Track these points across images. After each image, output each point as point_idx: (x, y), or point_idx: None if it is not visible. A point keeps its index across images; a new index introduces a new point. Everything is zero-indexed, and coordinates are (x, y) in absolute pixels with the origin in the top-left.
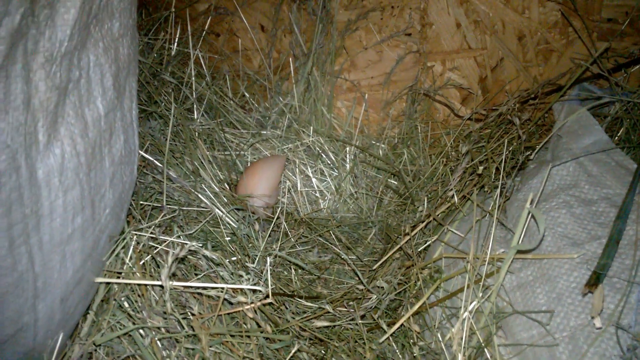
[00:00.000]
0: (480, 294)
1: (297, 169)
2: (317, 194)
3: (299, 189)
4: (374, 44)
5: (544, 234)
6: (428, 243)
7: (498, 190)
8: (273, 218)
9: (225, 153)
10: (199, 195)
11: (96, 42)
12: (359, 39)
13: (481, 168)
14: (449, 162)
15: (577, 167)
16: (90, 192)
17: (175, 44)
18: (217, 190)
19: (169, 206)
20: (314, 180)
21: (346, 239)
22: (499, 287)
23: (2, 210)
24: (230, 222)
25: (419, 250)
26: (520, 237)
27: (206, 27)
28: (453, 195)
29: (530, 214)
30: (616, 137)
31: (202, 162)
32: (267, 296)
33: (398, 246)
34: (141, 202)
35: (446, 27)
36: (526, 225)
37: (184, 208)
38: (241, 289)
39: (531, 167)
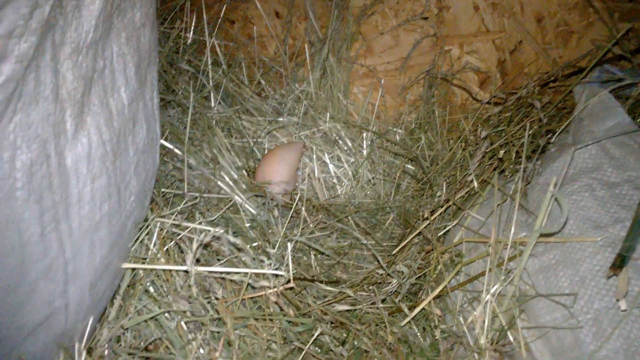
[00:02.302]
0: (503, 277)
1: (314, 156)
2: (335, 180)
3: (316, 175)
4: (390, 28)
5: (567, 218)
6: (448, 228)
7: (520, 174)
8: (292, 204)
9: (243, 140)
10: (219, 183)
11: (119, 32)
12: (375, 24)
13: (502, 152)
14: (467, 146)
15: (599, 150)
16: (117, 180)
17: (192, 32)
18: (236, 177)
19: (190, 193)
20: (331, 166)
21: (364, 224)
22: (521, 270)
23: (34, 198)
24: (250, 209)
25: (438, 234)
26: (543, 221)
27: (221, 14)
28: (472, 179)
29: (553, 198)
30: (639, 120)
31: (220, 150)
32: (289, 281)
33: (417, 230)
34: (163, 190)
35: (463, 9)
36: (549, 209)
37: (205, 195)
38: (263, 274)
39: (552, 151)
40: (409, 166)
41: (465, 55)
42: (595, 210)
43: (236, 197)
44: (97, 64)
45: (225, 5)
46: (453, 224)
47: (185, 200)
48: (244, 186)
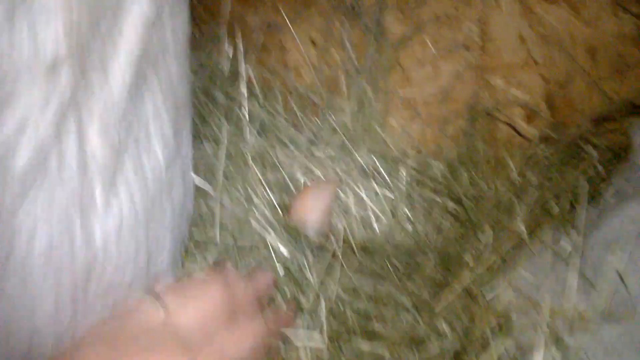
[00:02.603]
0: (557, 353)
1: (349, 191)
2: (372, 217)
3: (352, 212)
4: (430, 58)
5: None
6: (495, 291)
7: (575, 236)
8: (326, 245)
9: (277, 174)
10: (252, 224)
11: (154, 91)
12: (414, 53)
13: (552, 203)
14: (513, 187)
15: None
16: (148, 247)
17: (229, 62)
18: (270, 217)
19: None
20: (367, 202)
21: (404, 267)
22: (579, 352)
23: (52, 281)
24: (284, 252)
25: (483, 289)
26: (605, 300)
27: (258, 43)
28: (522, 230)
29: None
30: None
31: (254, 187)
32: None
33: (460, 286)
34: (195, 239)
35: (508, 40)
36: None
37: (238, 244)
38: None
39: (610, 201)
40: (452, 203)
41: (510, 88)
42: None
43: (270, 241)
44: (131, 130)
45: (262, 34)
46: (500, 284)
47: (217, 248)
48: (277, 227)
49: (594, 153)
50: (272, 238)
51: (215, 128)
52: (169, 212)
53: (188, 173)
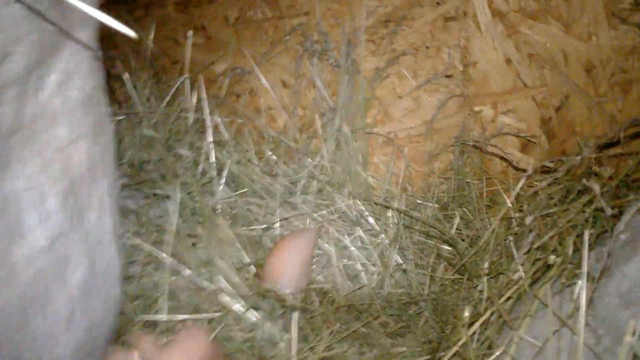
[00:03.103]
0: None
1: (332, 240)
2: (359, 267)
3: (336, 263)
4: (410, 90)
5: None
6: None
7: (581, 287)
8: (305, 305)
9: (251, 228)
10: (216, 291)
11: (24, 159)
12: (391, 86)
13: (553, 257)
14: (511, 226)
15: None
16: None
17: (193, 111)
18: (238, 281)
19: (173, 317)
20: (353, 250)
21: (394, 324)
22: None
23: None
24: (253, 318)
25: (481, 351)
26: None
27: (224, 89)
28: (521, 280)
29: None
30: None
31: (221, 247)
32: None
33: (452, 351)
34: (141, 316)
35: (493, 64)
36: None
37: (192, 317)
38: None
39: (622, 239)
40: (445, 247)
41: (500, 115)
42: None
43: (235, 309)
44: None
45: (228, 79)
46: (499, 352)
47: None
48: (246, 291)
49: (598, 184)
50: (237, 307)
51: (173, 185)
52: (60, 300)
53: (101, 246)
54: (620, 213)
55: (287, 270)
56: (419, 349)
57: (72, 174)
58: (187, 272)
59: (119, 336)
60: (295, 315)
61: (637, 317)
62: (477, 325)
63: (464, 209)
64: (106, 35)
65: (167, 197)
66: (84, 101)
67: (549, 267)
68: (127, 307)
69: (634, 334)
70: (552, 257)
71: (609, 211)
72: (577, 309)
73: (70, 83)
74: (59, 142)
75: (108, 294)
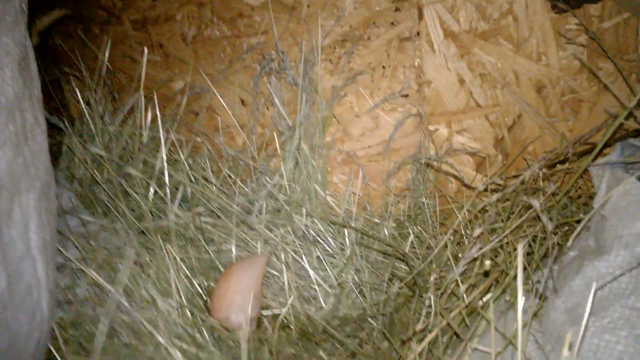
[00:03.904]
0: None
1: (288, 261)
2: (316, 288)
3: (292, 285)
4: (367, 109)
5: None
6: None
7: (520, 306)
8: (257, 334)
9: (203, 253)
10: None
11: None
12: (349, 105)
13: (488, 263)
14: (461, 243)
15: (634, 264)
16: None
17: (147, 129)
18: (180, 320)
19: None
20: (310, 272)
21: (351, 342)
22: None
23: None
24: None
25: None
26: None
27: (182, 107)
28: (462, 296)
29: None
30: None
31: (168, 276)
32: None
33: None
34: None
35: (447, 84)
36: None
37: None
38: None
39: (571, 256)
40: (402, 265)
41: (455, 134)
42: None
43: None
44: None
45: (186, 97)
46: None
47: None
48: (192, 327)
49: (542, 212)
50: (176, 353)
51: (123, 206)
52: None
53: (27, 260)
54: (572, 231)
55: (236, 300)
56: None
57: None
58: (128, 307)
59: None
60: (245, 348)
61: (577, 332)
62: (426, 341)
63: (419, 228)
64: (63, 52)
65: (117, 218)
66: (6, 108)
67: (497, 282)
68: (62, 333)
69: (570, 348)
70: (487, 262)
71: (549, 226)
72: (521, 325)
73: None
74: None
75: (32, 314)
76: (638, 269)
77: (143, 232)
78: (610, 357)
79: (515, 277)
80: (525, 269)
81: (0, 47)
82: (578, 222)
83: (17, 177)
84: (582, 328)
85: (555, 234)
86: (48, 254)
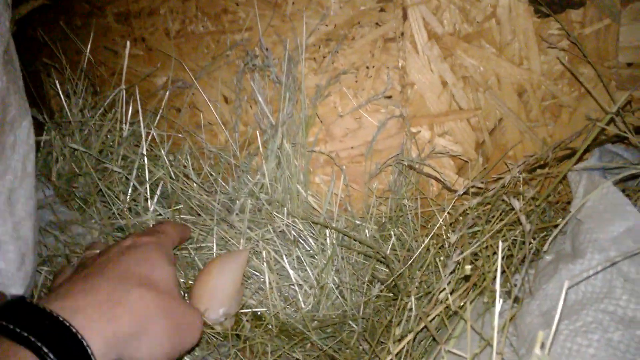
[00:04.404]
0: None
1: (269, 259)
2: (295, 289)
3: (272, 284)
4: (351, 110)
5: None
6: None
7: (497, 307)
8: (236, 332)
9: (183, 251)
10: None
11: None
12: (333, 105)
13: (468, 268)
14: (442, 247)
15: (608, 268)
16: None
17: (128, 123)
18: None
19: None
20: (290, 272)
21: (330, 343)
22: None
23: None
24: None
25: None
26: None
27: (164, 102)
28: (447, 298)
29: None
30: None
31: None
32: None
33: None
34: None
35: (430, 86)
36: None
37: None
38: None
39: (547, 260)
40: (382, 268)
41: (436, 137)
42: None
43: None
44: None
45: (168, 92)
46: None
47: None
48: None
49: (523, 211)
50: None
51: (98, 206)
52: None
53: None
54: (548, 235)
55: (216, 296)
56: None
57: None
58: None
59: None
60: (230, 348)
61: (548, 330)
62: (404, 342)
63: (401, 230)
64: (43, 43)
65: (94, 214)
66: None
67: (475, 285)
68: None
69: (542, 346)
70: (468, 267)
71: (527, 227)
72: (499, 326)
73: None
74: None
75: None
76: (611, 273)
77: (121, 228)
78: None
79: (494, 279)
80: (504, 271)
81: None
82: (556, 226)
83: None
84: (553, 330)
85: (533, 238)
86: (24, 244)
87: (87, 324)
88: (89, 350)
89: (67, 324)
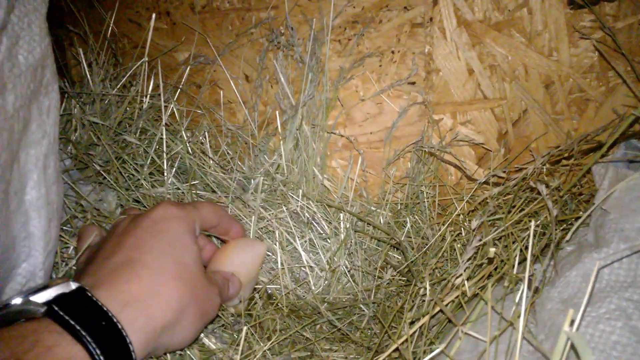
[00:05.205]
0: None
1: (283, 240)
2: (307, 271)
3: (284, 265)
4: (373, 94)
5: None
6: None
7: (523, 290)
8: (249, 311)
9: None
10: None
11: None
12: (355, 89)
13: (492, 250)
14: (459, 235)
15: (633, 257)
16: None
17: (148, 96)
18: None
19: None
20: (302, 254)
21: (337, 329)
22: None
23: None
24: None
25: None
26: None
27: (185, 78)
28: (464, 284)
29: (569, 341)
30: None
31: None
32: None
33: (391, 349)
34: None
35: (456, 73)
36: (567, 348)
37: None
38: None
39: (568, 250)
40: (394, 254)
41: (458, 125)
42: (634, 350)
43: None
44: None
45: (189, 67)
46: (439, 350)
47: None
48: None
49: (548, 198)
50: None
51: (120, 174)
52: None
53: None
54: (567, 227)
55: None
56: (358, 357)
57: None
58: None
59: None
60: (243, 325)
61: (576, 311)
62: (420, 322)
63: (416, 217)
64: (67, 12)
65: (111, 183)
66: (32, 66)
67: (495, 270)
68: None
69: (572, 324)
70: (492, 249)
71: (554, 212)
72: (521, 310)
73: (18, 46)
74: (7, 111)
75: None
76: (636, 262)
77: (137, 200)
78: (604, 347)
79: (514, 265)
80: (524, 259)
81: (28, 1)
82: (577, 218)
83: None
84: (581, 312)
85: (555, 229)
86: (51, 210)
87: (132, 322)
88: (131, 348)
89: (119, 326)
